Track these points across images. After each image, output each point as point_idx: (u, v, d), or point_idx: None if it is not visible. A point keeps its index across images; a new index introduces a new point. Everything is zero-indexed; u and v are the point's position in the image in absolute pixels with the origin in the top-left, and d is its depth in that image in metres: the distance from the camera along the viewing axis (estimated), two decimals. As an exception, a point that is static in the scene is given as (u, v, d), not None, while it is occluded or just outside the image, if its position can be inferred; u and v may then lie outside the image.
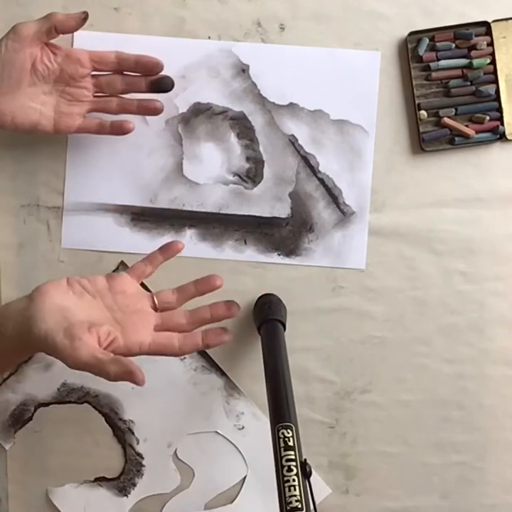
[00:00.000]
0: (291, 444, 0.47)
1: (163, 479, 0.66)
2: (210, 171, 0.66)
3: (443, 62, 0.64)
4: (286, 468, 0.46)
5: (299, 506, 0.43)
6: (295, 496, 0.44)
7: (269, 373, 0.55)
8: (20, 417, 0.66)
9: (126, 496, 0.66)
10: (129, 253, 0.65)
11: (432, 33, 0.64)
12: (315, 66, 0.65)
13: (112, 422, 0.65)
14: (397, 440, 0.68)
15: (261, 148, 0.66)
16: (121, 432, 0.65)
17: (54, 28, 0.55)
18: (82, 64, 0.58)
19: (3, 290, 0.66)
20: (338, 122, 0.65)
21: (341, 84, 0.65)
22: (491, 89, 0.64)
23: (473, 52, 0.64)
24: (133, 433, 0.65)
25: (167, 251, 0.59)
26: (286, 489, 0.44)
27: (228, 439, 0.65)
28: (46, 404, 0.65)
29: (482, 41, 0.64)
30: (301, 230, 0.66)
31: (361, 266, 0.66)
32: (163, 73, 0.60)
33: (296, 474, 0.45)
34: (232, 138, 0.66)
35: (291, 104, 0.65)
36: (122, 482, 0.66)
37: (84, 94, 0.59)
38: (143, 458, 0.65)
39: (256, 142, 0.66)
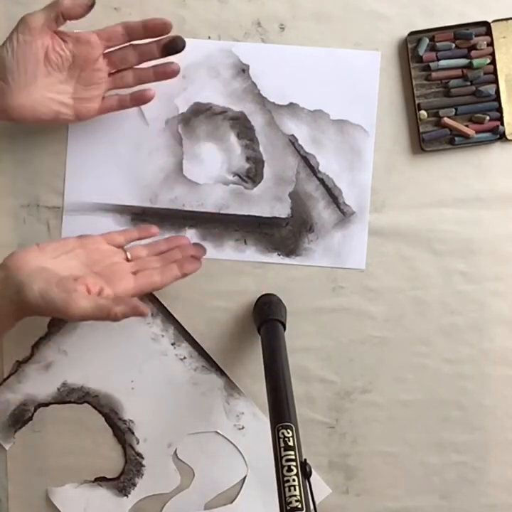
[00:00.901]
0: (291, 444, 0.47)
1: (163, 479, 0.66)
2: (210, 171, 0.66)
3: (443, 62, 0.64)
4: (286, 468, 0.46)
5: (299, 506, 0.43)
6: (295, 496, 0.44)
7: (269, 373, 0.55)
8: (20, 417, 0.66)
9: (126, 495, 0.66)
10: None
11: (431, 33, 0.64)
12: (315, 66, 0.65)
13: (111, 422, 0.65)
14: (397, 440, 0.68)
15: (261, 148, 0.66)
16: (121, 431, 0.65)
17: (61, 15, 0.55)
18: (92, 45, 0.57)
19: (3, 290, 0.66)
20: (338, 122, 0.65)
21: (341, 84, 0.65)
22: (491, 89, 0.64)
23: (473, 52, 0.64)
24: (133, 433, 0.65)
25: (143, 231, 0.62)
26: (286, 489, 0.44)
27: (228, 439, 0.65)
28: (46, 405, 0.65)
29: (482, 41, 0.64)
30: (301, 230, 0.66)
31: (361, 266, 0.66)
32: (172, 34, 0.60)
33: (296, 474, 0.45)
34: (232, 138, 0.66)
35: (291, 104, 0.65)
36: (122, 482, 0.66)
37: (99, 76, 0.59)
38: (143, 458, 0.65)
39: (256, 142, 0.66)
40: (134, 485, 0.66)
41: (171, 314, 0.65)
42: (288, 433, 0.48)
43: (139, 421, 0.65)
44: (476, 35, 0.64)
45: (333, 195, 0.66)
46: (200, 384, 0.65)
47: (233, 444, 0.66)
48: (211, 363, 0.65)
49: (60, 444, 0.67)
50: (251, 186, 0.66)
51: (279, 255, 0.66)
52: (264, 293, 0.66)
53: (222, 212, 0.66)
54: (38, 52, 0.55)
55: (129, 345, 0.64)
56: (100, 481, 0.66)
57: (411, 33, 0.64)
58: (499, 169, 0.66)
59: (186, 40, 0.64)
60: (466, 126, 0.65)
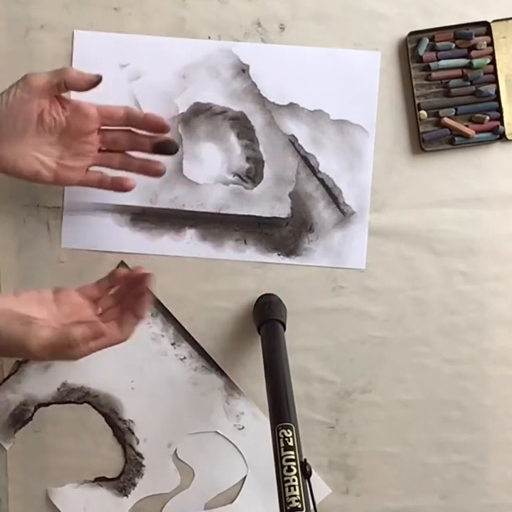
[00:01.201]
0: (291, 444, 0.47)
1: (163, 479, 0.66)
2: (210, 171, 0.66)
3: (443, 62, 0.64)
4: (286, 468, 0.46)
5: (299, 506, 0.43)
6: (295, 496, 0.44)
7: (269, 373, 0.55)
8: (20, 417, 0.66)
9: (126, 495, 0.66)
10: (129, 253, 0.65)
11: (431, 33, 0.64)
12: (315, 66, 0.65)
13: (111, 422, 0.65)
14: (397, 440, 0.68)
15: (261, 148, 0.66)
16: (121, 431, 0.65)
17: (64, 84, 0.54)
18: (90, 119, 0.56)
19: (3, 290, 0.66)
20: (338, 122, 0.65)
21: (341, 84, 0.65)
22: (491, 89, 0.64)
23: (473, 52, 0.64)
24: (133, 433, 0.65)
25: (114, 279, 0.58)
26: (286, 489, 0.44)
27: (228, 439, 0.65)
28: (46, 405, 0.65)
29: (482, 41, 0.64)
30: (301, 230, 0.66)
31: (361, 266, 0.66)
32: (168, 135, 0.59)
33: (296, 474, 0.45)
34: (232, 138, 0.66)
35: (291, 104, 0.65)
36: (122, 482, 0.66)
37: (89, 149, 0.58)
38: (143, 458, 0.65)
39: (256, 142, 0.66)
40: (134, 485, 0.66)
41: (170, 314, 0.65)
42: (288, 433, 0.48)
43: (139, 421, 0.65)
44: (476, 35, 0.64)
45: (333, 195, 0.66)
46: (200, 384, 0.65)
47: (233, 444, 0.66)
48: (211, 363, 0.65)
49: (60, 443, 0.67)
50: (251, 186, 0.66)
51: (279, 255, 0.66)
52: (264, 293, 0.66)
53: (222, 212, 0.66)
54: (33, 111, 0.54)
55: (129, 346, 0.64)
56: (100, 481, 0.66)
57: (411, 33, 0.64)
58: (499, 169, 0.66)
59: (186, 40, 0.65)
60: (466, 126, 0.65)
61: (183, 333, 0.65)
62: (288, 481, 0.45)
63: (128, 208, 0.66)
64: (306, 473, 0.46)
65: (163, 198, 0.66)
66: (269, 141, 0.66)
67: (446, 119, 0.64)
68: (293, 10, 0.65)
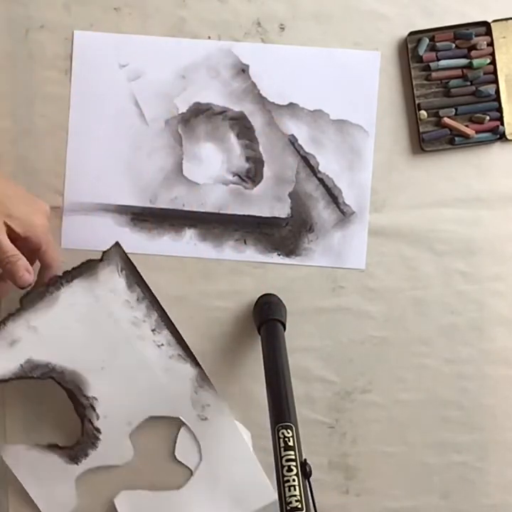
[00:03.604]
0: (291, 444, 0.47)
1: (117, 452, 0.64)
2: (210, 170, 0.66)
3: (443, 62, 0.64)
4: (286, 468, 0.46)
5: (299, 506, 0.43)
6: (295, 496, 0.44)
7: (269, 373, 0.55)
8: None
9: (77, 463, 0.64)
10: (129, 253, 0.64)
11: (431, 33, 0.64)
12: (315, 66, 0.65)
13: (74, 398, 0.64)
14: (397, 440, 0.68)
15: (261, 148, 0.66)
16: (83, 407, 0.64)
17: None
18: None
19: (3, 300, 0.66)
20: (338, 122, 0.65)
21: (341, 84, 0.65)
22: (491, 89, 0.64)
23: (473, 52, 0.64)
24: (94, 409, 0.64)
25: None
26: (286, 489, 0.44)
27: (188, 427, 0.64)
28: (5, 381, 0.62)
29: (482, 41, 0.64)
30: (301, 230, 0.66)
31: (361, 266, 0.66)
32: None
33: (296, 474, 0.45)
34: (232, 138, 0.66)
35: (291, 104, 0.65)
36: (75, 451, 0.64)
37: None
38: (100, 433, 0.64)
39: (256, 142, 0.66)
40: (86, 455, 0.64)
41: (157, 301, 0.63)
42: (288, 433, 0.48)
43: (103, 399, 0.64)
44: (476, 35, 0.64)
45: (333, 195, 0.66)
46: (171, 371, 0.64)
47: (192, 432, 0.65)
48: (188, 353, 0.64)
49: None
50: (251, 186, 0.66)
51: (279, 255, 0.66)
52: (264, 293, 0.66)
53: (222, 212, 0.66)
54: None
55: (107, 326, 0.62)
56: (53, 447, 0.65)
57: (411, 33, 0.64)
58: (499, 169, 0.66)
59: (186, 40, 0.64)
60: (466, 126, 0.65)
61: (165, 322, 0.64)
62: (288, 481, 0.45)
63: (128, 208, 0.66)
64: (306, 473, 0.46)
65: (163, 198, 0.66)
66: (269, 141, 0.66)
67: (446, 119, 0.64)
68: (293, 10, 0.65)
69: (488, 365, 0.67)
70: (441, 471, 0.68)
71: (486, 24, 0.64)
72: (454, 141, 0.65)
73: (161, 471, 0.67)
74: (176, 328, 0.64)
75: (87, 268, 0.61)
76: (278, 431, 0.48)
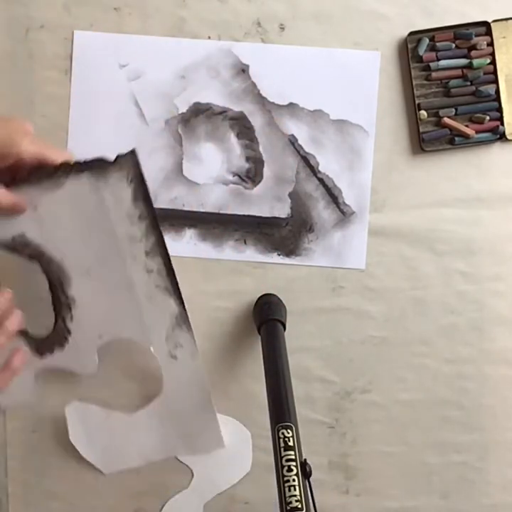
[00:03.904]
0: (291, 444, 0.47)
1: (80, 361, 0.64)
2: (210, 171, 0.66)
3: (443, 62, 0.64)
4: (286, 468, 0.46)
5: (299, 506, 0.43)
6: (295, 496, 0.44)
7: (269, 373, 0.55)
8: None
9: (41, 357, 0.63)
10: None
11: (431, 33, 0.64)
12: (315, 66, 0.65)
13: (54, 291, 0.62)
14: (397, 440, 0.68)
15: (261, 148, 0.66)
16: (60, 303, 0.62)
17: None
18: None
19: (3, 290, 0.66)
20: (338, 122, 0.65)
21: (341, 84, 0.65)
22: (491, 89, 0.64)
23: (473, 52, 0.64)
24: (70, 310, 0.62)
25: None
26: (286, 489, 0.44)
27: (156, 358, 0.63)
28: None
29: (482, 41, 0.64)
30: (301, 229, 0.66)
31: (361, 266, 0.66)
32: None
33: (296, 474, 0.45)
34: (232, 138, 0.66)
35: (291, 104, 0.65)
36: (42, 344, 0.63)
37: None
38: (70, 334, 0.63)
39: (256, 142, 0.66)
40: (52, 352, 0.63)
41: (157, 225, 0.60)
42: (288, 433, 0.48)
43: (81, 303, 0.62)
44: (476, 35, 0.64)
45: (333, 195, 0.66)
46: (154, 301, 0.62)
47: (159, 365, 0.63)
48: (175, 289, 0.61)
49: None
50: (251, 186, 0.66)
51: (279, 255, 0.66)
52: (264, 293, 0.66)
53: (222, 212, 0.66)
54: None
55: (104, 232, 0.60)
56: (23, 332, 0.63)
57: (411, 33, 0.64)
58: (499, 169, 0.66)
59: (186, 40, 0.65)
60: (466, 126, 0.65)
61: (161, 250, 0.60)
62: (288, 481, 0.45)
63: (128, 208, 0.66)
64: (306, 473, 0.46)
65: (163, 198, 0.66)
66: (269, 141, 0.66)
67: (446, 119, 0.64)
68: (293, 10, 0.65)
69: (488, 365, 0.67)
70: (441, 471, 0.68)
71: (486, 24, 0.64)
72: (454, 141, 0.65)
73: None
74: (170, 261, 0.60)
75: (98, 165, 0.58)
76: (278, 431, 0.48)
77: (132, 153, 0.56)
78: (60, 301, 0.62)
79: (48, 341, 0.63)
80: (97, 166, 0.57)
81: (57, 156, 0.56)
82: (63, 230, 0.60)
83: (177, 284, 0.61)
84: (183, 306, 0.62)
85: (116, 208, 0.58)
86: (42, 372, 0.64)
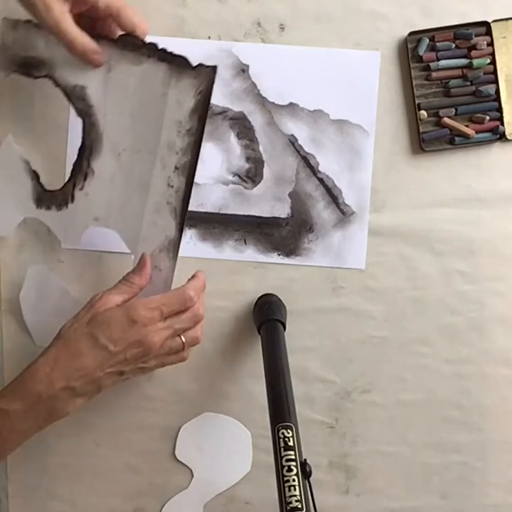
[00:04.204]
0: (291, 444, 0.47)
1: (67, 232, 0.63)
2: (210, 170, 0.66)
3: (443, 62, 0.64)
4: (286, 468, 0.46)
5: (299, 506, 0.43)
6: (295, 496, 0.44)
7: (269, 373, 0.55)
8: None
9: (36, 206, 0.63)
10: (130, 253, 0.64)
11: (432, 33, 0.64)
12: (315, 66, 0.65)
13: (81, 154, 0.61)
14: (397, 440, 0.68)
15: (261, 148, 0.66)
16: (80, 169, 0.61)
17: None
18: None
19: (2, 290, 0.66)
20: (338, 122, 0.65)
21: (341, 84, 0.65)
22: (491, 89, 0.64)
23: (473, 52, 0.64)
24: (84, 179, 0.61)
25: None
26: (286, 489, 0.44)
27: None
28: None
29: (482, 41, 0.64)
30: (300, 229, 0.66)
31: (361, 266, 0.66)
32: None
33: (296, 474, 0.45)
34: (232, 138, 0.66)
35: (291, 104, 0.65)
36: (43, 195, 0.63)
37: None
38: (72, 202, 0.62)
39: (256, 142, 0.66)
40: (48, 209, 0.63)
41: (198, 150, 0.58)
42: (288, 433, 0.48)
43: (97, 179, 0.61)
44: (476, 35, 0.64)
45: (332, 195, 0.66)
46: (159, 215, 0.60)
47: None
48: (182, 215, 0.60)
49: None
50: (251, 186, 0.66)
51: (279, 255, 0.66)
52: (264, 293, 0.66)
53: (222, 212, 0.66)
54: None
55: (151, 128, 0.59)
56: (35, 177, 0.63)
57: (411, 33, 0.64)
58: (499, 169, 0.66)
59: (186, 40, 0.64)
60: (466, 126, 0.65)
61: (190, 172, 0.59)
62: (288, 481, 0.45)
63: (128, 208, 0.66)
64: (306, 473, 0.46)
65: (163, 198, 0.66)
66: (269, 141, 0.66)
67: (446, 119, 0.64)
68: (293, 10, 0.65)
69: (488, 365, 0.67)
70: (441, 471, 0.68)
71: (486, 24, 0.64)
72: (454, 141, 0.65)
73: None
74: (191, 188, 0.59)
75: (179, 63, 0.58)
76: (278, 431, 0.48)
77: (212, 69, 0.57)
78: (81, 167, 0.62)
79: (50, 196, 0.63)
80: (177, 63, 0.58)
81: (133, 21, 0.58)
82: (120, 104, 0.60)
83: (186, 212, 0.60)
84: (180, 236, 0.60)
85: (174, 110, 0.58)
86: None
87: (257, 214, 0.66)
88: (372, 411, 0.67)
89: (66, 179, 0.62)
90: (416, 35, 0.64)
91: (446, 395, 0.67)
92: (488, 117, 0.64)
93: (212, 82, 0.57)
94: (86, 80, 0.60)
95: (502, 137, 0.65)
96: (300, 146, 0.65)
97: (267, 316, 0.61)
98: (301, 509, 0.43)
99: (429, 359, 0.67)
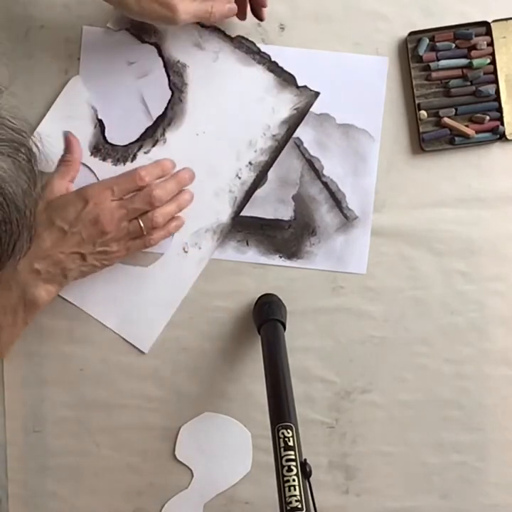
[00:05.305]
0: (291, 444, 0.47)
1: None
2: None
3: (443, 62, 0.64)
4: (286, 468, 0.46)
5: (299, 506, 0.43)
6: (295, 496, 0.44)
7: (269, 373, 0.55)
8: None
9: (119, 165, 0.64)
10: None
11: (432, 33, 0.64)
12: (323, 70, 0.64)
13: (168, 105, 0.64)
14: (397, 440, 0.68)
15: (265, 150, 0.66)
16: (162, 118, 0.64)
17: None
18: None
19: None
20: (344, 126, 0.65)
21: (348, 88, 0.65)
22: (491, 89, 0.64)
23: (473, 52, 0.64)
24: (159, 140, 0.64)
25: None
26: (286, 489, 0.45)
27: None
28: None
29: (482, 41, 0.64)
30: (303, 232, 0.66)
31: (362, 271, 0.66)
32: None
33: (296, 474, 0.45)
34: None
35: (296, 106, 0.65)
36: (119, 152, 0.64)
37: None
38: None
39: (259, 144, 0.66)
40: (123, 163, 0.64)
41: (277, 157, 0.65)
42: (288, 433, 0.48)
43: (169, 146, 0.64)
44: (476, 35, 0.64)
45: (336, 199, 0.65)
46: (217, 199, 0.65)
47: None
48: (240, 206, 0.65)
49: None
50: (254, 187, 0.66)
51: (280, 257, 0.66)
52: (264, 293, 0.66)
53: (223, 212, 0.66)
54: None
55: (240, 116, 0.64)
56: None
57: (411, 33, 0.64)
58: (499, 169, 0.66)
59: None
60: (466, 126, 0.65)
61: (261, 172, 0.65)
62: (288, 481, 0.45)
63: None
64: (306, 473, 0.46)
65: (163, 198, 0.66)
66: (272, 142, 0.66)
67: (446, 119, 0.64)
68: (293, 10, 0.64)
69: (488, 365, 0.67)
70: (441, 471, 0.68)
71: (486, 24, 0.64)
72: (454, 141, 0.65)
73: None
74: (257, 187, 0.65)
75: (284, 78, 0.64)
76: (278, 431, 0.48)
77: (315, 94, 0.64)
78: (154, 133, 0.64)
79: (110, 149, 0.64)
80: (284, 77, 0.64)
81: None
82: (214, 92, 0.64)
83: (245, 205, 0.65)
84: (231, 225, 0.65)
85: (266, 115, 0.64)
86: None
87: (260, 216, 0.66)
88: (372, 411, 0.67)
89: (132, 140, 0.64)
90: (416, 35, 0.64)
91: (447, 395, 0.67)
92: (488, 117, 0.64)
93: (311, 105, 0.63)
94: (190, 59, 0.63)
95: (502, 137, 0.65)
96: (305, 149, 0.65)
97: (267, 316, 0.61)
98: (301, 509, 0.43)
99: (429, 359, 0.67)
